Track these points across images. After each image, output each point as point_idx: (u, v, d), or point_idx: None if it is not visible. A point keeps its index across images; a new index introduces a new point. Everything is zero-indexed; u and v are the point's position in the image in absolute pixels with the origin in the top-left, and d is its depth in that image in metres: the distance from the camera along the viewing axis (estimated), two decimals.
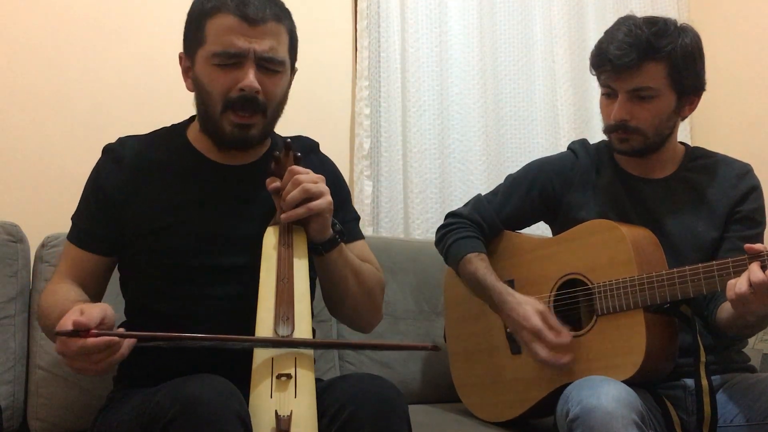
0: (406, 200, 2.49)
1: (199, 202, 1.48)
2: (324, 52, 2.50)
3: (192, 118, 1.57)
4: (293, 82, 1.52)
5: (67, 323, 1.15)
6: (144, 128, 1.60)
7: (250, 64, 1.40)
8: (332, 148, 2.47)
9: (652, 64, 1.63)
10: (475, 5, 2.63)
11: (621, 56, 1.62)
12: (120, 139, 1.55)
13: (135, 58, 2.22)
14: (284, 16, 1.47)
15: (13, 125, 2.08)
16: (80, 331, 1.14)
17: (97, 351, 1.15)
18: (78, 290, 1.44)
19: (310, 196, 1.36)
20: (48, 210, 2.06)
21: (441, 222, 1.97)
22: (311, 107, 2.44)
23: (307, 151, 1.58)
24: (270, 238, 1.38)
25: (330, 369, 2.01)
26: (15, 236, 1.80)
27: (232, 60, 1.40)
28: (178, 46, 1.50)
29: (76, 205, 1.54)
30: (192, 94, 1.49)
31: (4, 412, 1.66)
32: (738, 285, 1.41)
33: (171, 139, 1.55)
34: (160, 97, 2.18)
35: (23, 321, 1.77)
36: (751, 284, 1.39)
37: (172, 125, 1.59)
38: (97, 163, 1.53)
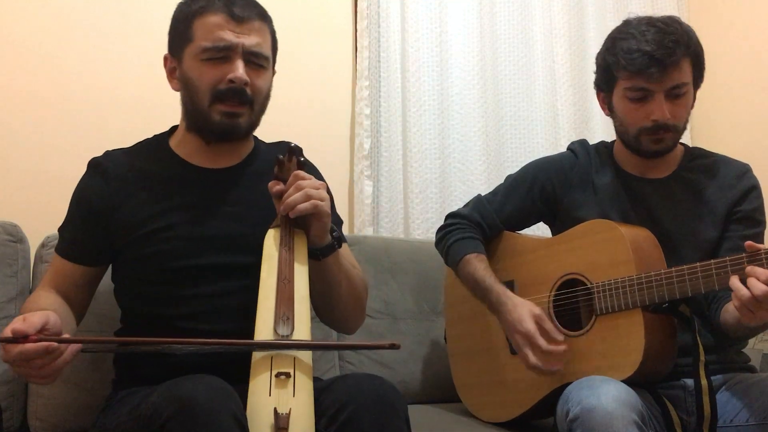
0: (406, 200, 2.49)
1: (185, 206, 1.51)
2: (324, 52, 2.50)
3: (172, 129, 1.62)
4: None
5: (6, 330, 1.19)
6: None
7: (238, 57, 1.46)
8: (332, 148, 2.50)
9: (685, 60, 1.65)
10: (475, 5, 2.63)
11: (668, 55, 1.61)
12: (105, 153, 1.59)
13: (135, 59, 2.22)
14: (267, 18, 1.54)
15: (13, 125, 2.08)
16: (18, 337, 1.17)
17: (36, 356, 1.18)
18: (54, 298, 1.46)
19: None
20: (48, 210, 2.04)
21: (441, 222, 1.97)
22: (311, 107, 2.45)
23: None
24: (271, 239, 1.39)
25: (330, 369, 2.01)
26: (15, 236, 1.80)
27: (221, 54, 1.46)
28: None
29: None
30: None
31: (4, 412, 1.66)
32: (743, 292, 1.41)
33: (154, 148, 1.59)
34: (159, 99, 2.16)
35: None
36: (755, 296, 1.39)
37: (154, 136, 1.63)
38: (82, 177, 1.57)
